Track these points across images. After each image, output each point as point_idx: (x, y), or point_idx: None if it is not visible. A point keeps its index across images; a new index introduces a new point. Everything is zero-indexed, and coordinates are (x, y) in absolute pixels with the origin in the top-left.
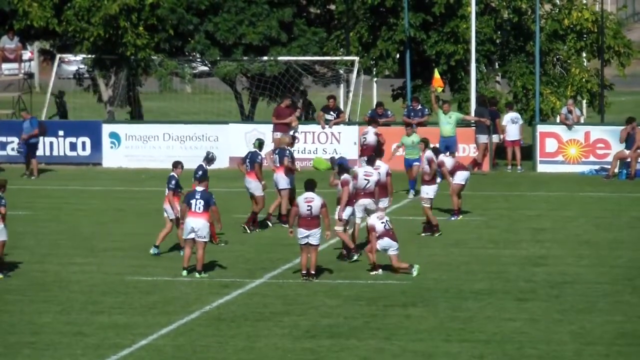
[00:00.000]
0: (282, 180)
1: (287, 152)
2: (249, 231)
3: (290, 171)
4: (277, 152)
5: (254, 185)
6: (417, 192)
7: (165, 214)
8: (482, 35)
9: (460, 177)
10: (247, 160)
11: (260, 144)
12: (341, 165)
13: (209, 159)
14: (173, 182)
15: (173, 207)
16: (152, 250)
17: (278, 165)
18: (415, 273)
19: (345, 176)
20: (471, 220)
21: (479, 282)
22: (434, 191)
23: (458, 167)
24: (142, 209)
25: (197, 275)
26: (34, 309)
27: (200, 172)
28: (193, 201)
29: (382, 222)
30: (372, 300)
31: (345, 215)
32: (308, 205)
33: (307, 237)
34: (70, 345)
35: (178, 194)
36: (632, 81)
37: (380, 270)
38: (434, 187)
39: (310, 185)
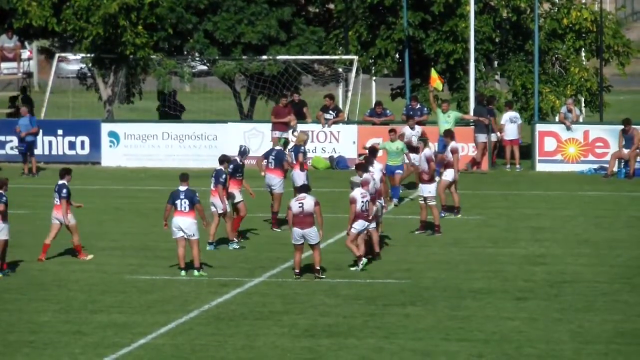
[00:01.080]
0: (298, 177)
1: (302, 148)
2: (279, 230)
3: (302, 168)
4: (292, 149)
5: (277, 182)
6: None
7: (214, 208)
8: (481, 34)
9: (450, 174)
10: (272, 158)
11: (285, 143)
12: (359, 165)
13: (242, 152)
14: (224, 176)
15: (222, 200)
16: (208, 247)
17: (294, 162)
18: (360, 267)
19: (353, 194)
20: (470, 219)
21: (478, 281)
22: (435, 188)
23: (451, 164)
24: (141, 208)
25: (195, 273)
26: (33, 308)
27: (232, 167)
28: (178, 201)
29: (362, 202)
30: (371, 299)
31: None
32: (299, 203)
33: (302, 236)
34: (69, 344)
35: (239, 179)
36: (631, 80)
37: (364, 259)
38: (435, 184)
39: (303, 189)
